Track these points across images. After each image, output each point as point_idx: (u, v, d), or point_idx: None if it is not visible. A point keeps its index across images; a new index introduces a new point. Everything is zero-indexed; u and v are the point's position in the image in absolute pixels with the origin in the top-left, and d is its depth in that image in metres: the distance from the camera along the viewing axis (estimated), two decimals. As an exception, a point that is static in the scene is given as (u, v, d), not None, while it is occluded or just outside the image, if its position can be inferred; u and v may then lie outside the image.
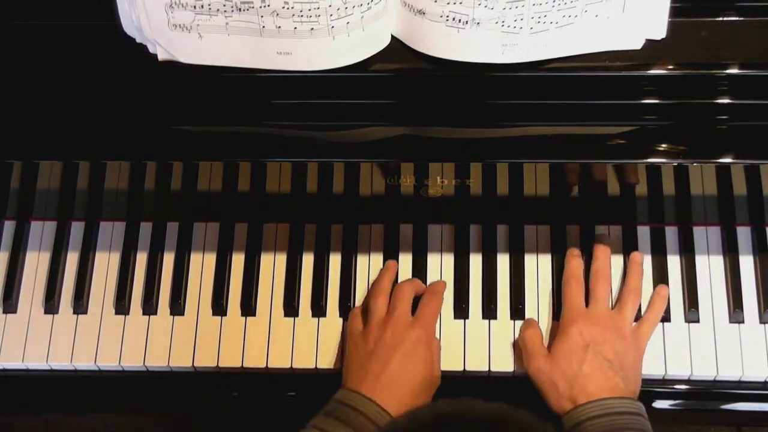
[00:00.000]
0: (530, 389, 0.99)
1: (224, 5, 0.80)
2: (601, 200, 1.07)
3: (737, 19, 0.85)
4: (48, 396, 1.06)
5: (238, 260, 1.07)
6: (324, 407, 0.93)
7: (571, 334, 0.96)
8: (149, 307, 1.05)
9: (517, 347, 1.02)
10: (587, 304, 1.00)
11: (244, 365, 1.03)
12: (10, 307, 1.06)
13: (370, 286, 1.05)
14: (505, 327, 1.03)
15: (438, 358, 1.00)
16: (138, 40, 0.84)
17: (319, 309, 1.05)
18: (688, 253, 1.05)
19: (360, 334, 0.99)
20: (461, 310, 1.04)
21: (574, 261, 1.03)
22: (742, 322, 1.03)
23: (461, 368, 1.02)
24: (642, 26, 0.83)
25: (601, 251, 1.03)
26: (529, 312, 1.04)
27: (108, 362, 1.04)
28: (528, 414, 0.61)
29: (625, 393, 0.92)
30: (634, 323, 1.00)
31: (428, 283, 1.05)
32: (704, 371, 1.01)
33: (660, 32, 0.83)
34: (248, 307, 1.05)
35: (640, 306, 1.02)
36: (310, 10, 0.79)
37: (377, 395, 0.92)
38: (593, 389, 0.92)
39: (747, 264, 1.05)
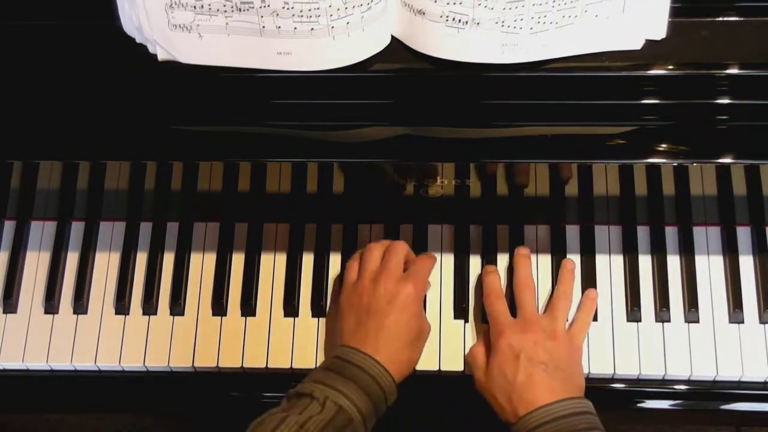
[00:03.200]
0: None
1: (224, 5, 0.80)
2: (601, 200, 1.07)
3: (737, 19, 0.85)
4: (48, 396, 1.06)
5: (238, 260, 1.07)
6: (324, 363, 0.93)
7: (500, 346, 0.95)
8: (149, 307, 1.05)
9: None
10: (515, 315, 0.99)
11: (244, 365, 1.03)
12: (10, 307, 1.06)
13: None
14: (505, 327, 1.03)
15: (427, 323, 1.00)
16: (138, 40, 0.84)
17: (319, 309, 1.05)
18: (688, 253, 1.05)
19: (353, 287, 0.99)
20: (461, 310, 1.04)
21: (491, 277, 1.03)
22: (742, 322, 1.03)
23: (461, 368, 1.02)
24: (642, 26, 0.83)
25: (520, 262, 1.03)
26: (529, 312, 1.03)
27: (108, 362, 1.04)
28: None
29: (566, 394, 0.91)
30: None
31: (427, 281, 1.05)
32: (704, 371, 1.01)
33: (660, 32, 0.83)
34: (248, 307, 1.05)
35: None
36: (310, 10, 0.79)
37: (378, 354, 0.92)
38: (531, 397, 0.90)
39: (747, 264, 1.05)
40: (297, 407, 0.87)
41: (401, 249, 1.01)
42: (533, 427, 0.88)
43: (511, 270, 1.05)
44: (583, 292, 1.04)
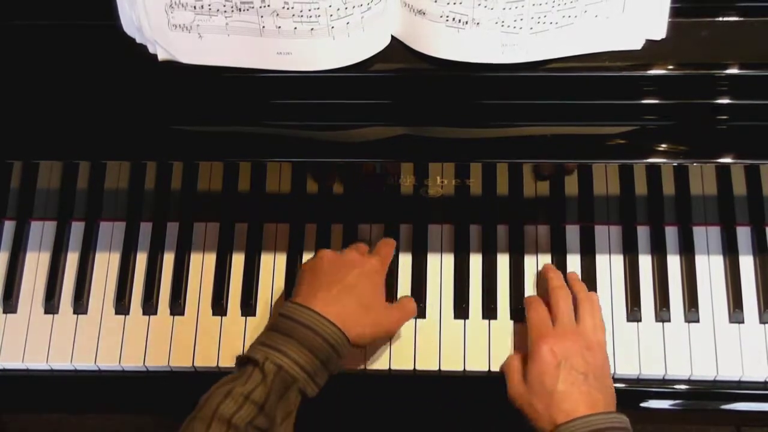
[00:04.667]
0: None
1: (224, 5, 0.80)
2: (601, 200, 1.07)
3: (737, 19, 0.85)
4: (48, 396, 1.06)
5: (238, 260, 1.07)
6: (268, 322, 0.92)
7: (542, 353, 0.93)
8: (149, 307, 1.05)
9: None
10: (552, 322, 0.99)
11: (244, 365, 1.03)
12: (10, 307, 1.06)
13: None
14: (505, 327, 1.03)
15: (396, 317, 0.99)
16: (138, 41, 0.84)
17: (319, 309, 1.05)
18: (688, 253, 1.06)
19: (315, 256, 0.98)
20: (461, 310, 1.04)
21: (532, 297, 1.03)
22: (742, 322, 1.03)
23: (461, 368, 1.02)
24: (642, 26, 0.83)
25: (551, 270, 1.03)
26: (529, 312, 1.04)
27: (108, 362, 1.04)
28: None
29: (605, 407, 0.91)
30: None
31: (428, 283, 1.05)
32: (704, 371, 1.01)
33: (660, 32, 0.83)
34: (248, 307, 1.05)
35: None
36: (310, 10, 0.79)
37: (327, 308, 0.90)
38: (570, 407, 0.89)
39: (747, 264, 1.05)
40: (243, 376, 0.86)
41: (361, 244, 1.02)
42: None
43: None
44: None
